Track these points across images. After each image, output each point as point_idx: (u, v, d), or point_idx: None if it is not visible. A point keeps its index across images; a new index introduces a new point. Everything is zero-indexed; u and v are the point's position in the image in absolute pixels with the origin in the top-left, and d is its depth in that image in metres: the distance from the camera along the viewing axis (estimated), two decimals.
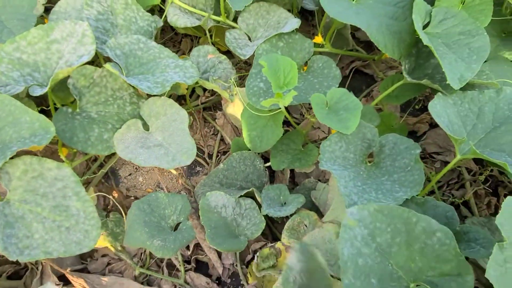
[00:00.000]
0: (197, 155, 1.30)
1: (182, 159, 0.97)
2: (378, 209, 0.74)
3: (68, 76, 0.96)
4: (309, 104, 0.98)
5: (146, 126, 1.05)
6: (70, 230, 0.83)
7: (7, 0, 1.12)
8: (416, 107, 1.35)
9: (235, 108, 1.22)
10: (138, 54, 1.05)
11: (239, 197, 1.00)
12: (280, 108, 1.02)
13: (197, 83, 1.23)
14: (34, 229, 0.79)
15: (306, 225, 0.95)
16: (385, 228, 0.74)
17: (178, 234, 0.90)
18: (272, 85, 0.93)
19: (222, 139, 1.34)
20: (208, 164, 1.29)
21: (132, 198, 1.21)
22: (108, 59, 1.02)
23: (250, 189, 1.00)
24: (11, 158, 0.79)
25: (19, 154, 0.80)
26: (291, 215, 0.97)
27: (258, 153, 1.16)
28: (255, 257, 0.92)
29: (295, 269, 0.83)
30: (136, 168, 1.28)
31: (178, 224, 0.96)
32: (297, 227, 0.96)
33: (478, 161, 1.32)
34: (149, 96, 1.05)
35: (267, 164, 1.16)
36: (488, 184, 1.27)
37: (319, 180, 1.15)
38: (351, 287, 0.69)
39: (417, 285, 0.72)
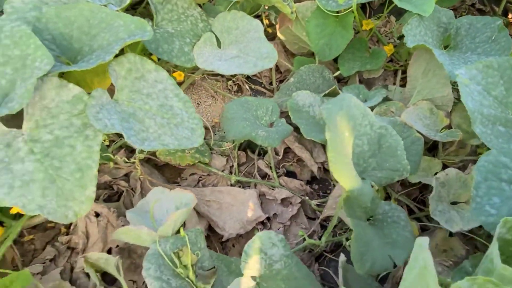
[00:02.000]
0: (256, 84, 1.32)
1: (265, 63, 0.98)
2: (487, 64, 0.76)
3: None
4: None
5: (219, 43, 1.06)
6: (178, 127, 0.83)
7: None
8: (463, 14, 1.38)
9: (293, 27, 1.23)
10: None
11: (323, 95, 1.01)
12: (350, 8, 1.04)
13: None
14: (147, 124, 0.79)
15: (393, 111, 0.97)
16: (498, 81, 0.76)
17: (277, 128, 0.91)
18: None
19: (277, 69, 1.35)
20: (269, 91, 1.29)
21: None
22: None
23: (333, 87, 1.01)
24: (116, 56, 0.79)
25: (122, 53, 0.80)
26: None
27: (325, 65, 1.18)
28: None
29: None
30: (198, 103, 1.28)
31: (271, 124, 0.97)
32: (384, 113, 0.97)
33: None
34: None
35: (335, 74, 1.17)
36: None
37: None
38: (484, 135, 0.71)
39: None
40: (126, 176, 1.03)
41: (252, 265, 0.60)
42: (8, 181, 0.63)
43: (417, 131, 0.86)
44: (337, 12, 1.07)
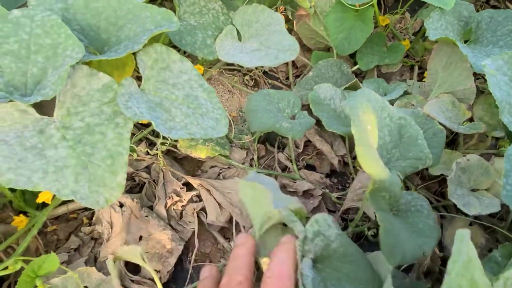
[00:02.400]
0: (273, 79, 1.32)
1: (286, 56, 0.98)
2: None
3: None
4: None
5: (239, 36, 1.06)
6: (204, 117, 0.84)
7: None
8: (479, 10, 1.38)
9: (311, 22, 1.23)
10: None
11: (344, 89, 1.02)
12: (370, 2, 1.05)
13: None
14: (173, 114, 0.80)
15: (413, 104, 0.98)
16: None
17: (300, 120, 0.92)
18: None
19: (293, 64, 1.36)
20: (286, 85, 1.30)
21: None
22: None
23: (354, 80, 1.02)
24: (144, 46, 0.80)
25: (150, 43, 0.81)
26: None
27: (343, 60, 1.18)
28: None
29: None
30: None
31: (293, 117, 0.97)
32: (404, 107, 0.98)
33: None
34: None
35: (353, 69, 1.18)
36: None
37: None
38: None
39: None
40: (147, 168, 1.03)
41: (312, 247, 0.59)
42: (43, 167, 0.63)
43: (440, 123, 0.86)
44: (357, 6, 1.08)
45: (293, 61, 1.35)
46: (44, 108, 0.74)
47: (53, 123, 0.69)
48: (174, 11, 1.01)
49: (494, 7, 1.51)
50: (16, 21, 0.72)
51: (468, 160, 0.79)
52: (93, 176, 0.67)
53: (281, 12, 1.37)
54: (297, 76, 1.34)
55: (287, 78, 1.32)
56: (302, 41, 1.32)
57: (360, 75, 1.27)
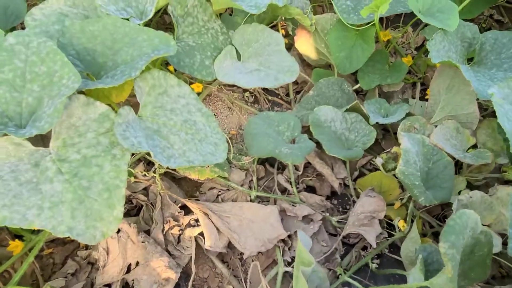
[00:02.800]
0: (273, 95, 1.31)
1: (286, 77, 0.97)
2: None
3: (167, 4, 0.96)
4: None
5: (238, 56, 1.05)
6: (202, 143, 0.82)
7: None
8: (483, 25, 1.37)
9: (312, 39, 1.22)
10: None
11: (345, 110, 1.00)
12: (371, 22, 1.03)
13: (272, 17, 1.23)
14: (172, 141, 0.79)
15: (416, 128, 0.96)
16: None
17: (300, 144, 0.90)
18: None
19: (293, 81, 1.34)
20: (286, 102, 1.28)
21: None
22: None
23: (355, 102, 1.00)
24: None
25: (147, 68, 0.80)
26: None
27: (344, 78, 1.17)
28: (378, 158, 0.93)
29: (412, 150, 0.83)
30: (214, 114, 1.27)
31: (293, 140, 0.96)
32: (407, 130, 0.96)
33: None
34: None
35: (354, 88, 1.16)
36: None
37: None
38: None
39: None
40: (145, 190, 1.02)
41: None
42: (38, 202, 0.62)
43: (447, 153, 0.85)
44: (358, 25, 1.06)
45: None
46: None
47: (48, 155, 0.67)
48: (173, 27, 0.99)
49: (498, 21, 1.50)
50: (11, 49, 0.71)
51: (470, 197, 0.77)
52: (90, 211, 0.65)
53: (282, 27, 1.36)
54: (297, 92, 1.32)
55: (288, 95, 1.30)
56: (302, 57, 1.31)
57: (361, 92, 1.25)
